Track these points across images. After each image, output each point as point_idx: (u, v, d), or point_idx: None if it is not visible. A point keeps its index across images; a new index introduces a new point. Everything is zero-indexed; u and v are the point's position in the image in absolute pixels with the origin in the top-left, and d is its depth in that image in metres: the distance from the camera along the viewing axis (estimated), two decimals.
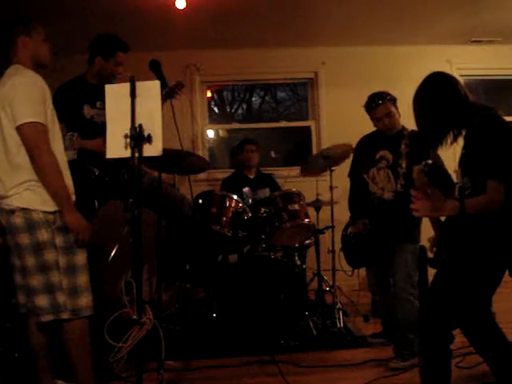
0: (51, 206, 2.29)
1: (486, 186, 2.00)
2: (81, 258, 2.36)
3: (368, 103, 3.25)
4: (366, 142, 3.43)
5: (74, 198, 2.40)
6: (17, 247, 2.33)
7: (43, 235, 2.28)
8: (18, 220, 2.28)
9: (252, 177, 4.55)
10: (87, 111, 3.03)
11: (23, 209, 2.27)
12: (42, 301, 2.31)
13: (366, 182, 3.30)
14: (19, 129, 2.23)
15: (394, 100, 3.22)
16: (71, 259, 2.33)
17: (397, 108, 3.22)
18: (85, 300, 2.35)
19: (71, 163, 2.51)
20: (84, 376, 2.39)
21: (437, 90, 2.16)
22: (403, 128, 3.23)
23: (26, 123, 2.22)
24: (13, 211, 2.28)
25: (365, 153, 3.35)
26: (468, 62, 5.46)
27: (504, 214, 2.02)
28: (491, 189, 1.99)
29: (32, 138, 2.23)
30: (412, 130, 3.16)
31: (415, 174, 1.99)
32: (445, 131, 2.15)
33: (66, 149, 2.50)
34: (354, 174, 3.46)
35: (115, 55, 3.11)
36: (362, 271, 3.63)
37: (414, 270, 3.13)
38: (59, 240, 2.30)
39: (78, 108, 3.01)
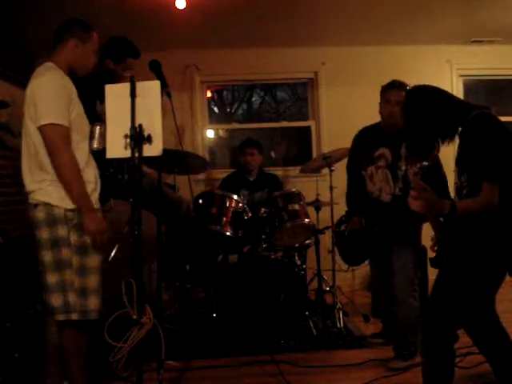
0: (71, 204, 2.30)
1: (481, 187, 2.00)
2: (93, 259, 2.36)
3: (387, 84, 3.16)
4: (365, 135, 3.34)
5: (97, 194, 2.42)
6: (38, 242, 2.34)
7: (61, 231, 2.29)
8: (40, 214, 2.30)
9: (252, 179, 4.52)
10: (98, 107, 3.03)
11: (46, 203, 2.29)
12: (57, 299, 2.31)
13: (363, 178, 3.23)
14: (40, 129, 2.26)
15: None
16: (83, 260, 2.32)
17: None
18: (93, 302, 2.34)
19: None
20: (74, 375, 2.39)
21: (416, 107, 2.17)
22: None
23: (47, 124, 2.24)
24: (36, 205, 2.31)
25: (363, 148, 3.27)
26: (468, 62, 5.47)
27: (504, 213, 2.02)
28: (485, 191, 1.99)
29: (52, 139, 2.25)
30: None
31: (411, 176, 2.00)
32: (434, 140, 2.16)
33: (92, 138, 2.48)
34: (352, 168, 3.39)
35: (125, 61, 3.10)
36: (362, 271, 3.63)
37: (415, 271, 3.10)
38: (74, 238, 2.30)
39: (92, 103, 3.01)
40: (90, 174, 2.39)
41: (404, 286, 3.06)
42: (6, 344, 2.87)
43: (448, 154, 2.50)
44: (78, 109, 2.37)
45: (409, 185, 2.98)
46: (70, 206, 2.29)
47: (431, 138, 2.16)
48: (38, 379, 2.54)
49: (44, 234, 2.30)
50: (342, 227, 3.41)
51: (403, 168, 3.07)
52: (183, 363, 3.21)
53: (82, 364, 2.40)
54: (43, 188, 2.30)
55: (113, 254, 3.97)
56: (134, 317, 2.19)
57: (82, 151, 2.36)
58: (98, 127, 2.50)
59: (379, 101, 3.21)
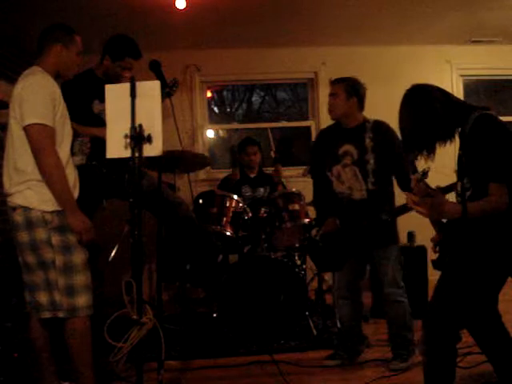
0: (50, 206, 2.32)
1: (489, 189, 1.99)
2: (78, 257, 2.38)
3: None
4: (325, 135, 3.24)
5: (77, 192, 2.43)
6: (19, 244, 2.38)
7: (40, 234, 2.32)
8: (18, 217, 2.33)
9: (253, 176, 4.56)
10: (97, 106, 3.03)
11: (23, 207, 2.31)
12: (43, 297, 2.36)
13: (329, 180, 3.11)
14: (26, 129, 2.28)
15: (353, 88, 3.07)
16: (68, 259, 2.35)
17: (353, 98, 3.05)
18: (82, 300, 2.37)
19: (79, 166, 2.53)
20: (84, 375, 2.40)
21: (416, 105, 2.17)
22: (365, 120, 3.08)
23: (32, 124, 2.26)
24: (14, 208, 2.34)
25: (325, 148, 3.15)
26: (468, 62, 5.46)
27: (507, 215, 2.02)
28: (494, 192, 1.99)
29: (37, 139, 2.27)
30: (375, 121, 3.07)
31: (413, 184, 1.98)
32: (433, 140, 2.16)
33: (75, 154, 2.52)
34: (316, 171, 3.25)
35: (123, 60, 3.09)
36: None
37: (399, 270, 3.08)
38: (55, 239, 2.33)
39: (88, 102, 3.01)
40: (70, 176, 2.40)
41: (392, 289, 3.05)
42: (6, 344, 2.87)
43: (449, 154, 2.49)
44: (62, 110, 2.40)
45: (382, 178, 2.99)
46: (48, 208, 2.32)
47: (430, 138, 2.16)
48: (38, 379, 2.54)
49: (24, 236, 2.33)
50: (313, 232, 3.27)
51: (372, 161, 2.98)
52: (183, 363, 3.21)
53: (89, 364, 2.42)
54: (21, 191, 2.32)
55: (113, 254, 3.98)
56: (134, 317, 2.19)
57: (62, 153, 2.37)
58: (78, 143, 2.54)
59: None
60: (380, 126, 3.07)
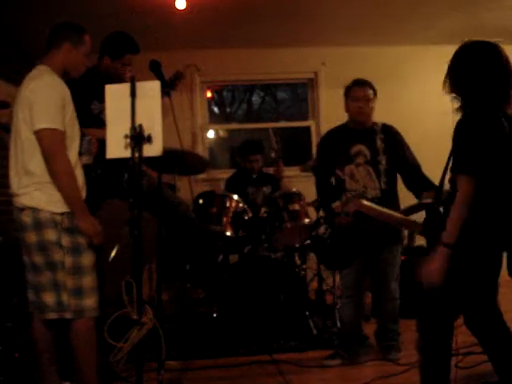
0: (59, 207, 2.32)
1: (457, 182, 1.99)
2: (87, 259, 2.38)
3: (352, 82, 3.22)
4: (335, 136, 3.28)
5: (84, 193, 2.43)
6: (25, 245, 2.37)
7: (49, 235, 2.31)
8: (26, 218, 2.32)
9: (255, 176, 4.56)
10: (96, 107, 3.02)
11: (32, 208, 2.31)
12: (49, 298, 2.35)
13: (340, 178, 3.14)
14: (37, 133, 2.27)
15: (375, 93, 3.19)
16: (77, 260, 2.35)
17: (375, 100, 3.19)
18: (89, 301, 2.37)
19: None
20: (87, 375, 2.41)
21: (473, 55, 2.23)
22: (374, 123, 3.19)
23: (43, 129, 2.25)
24: (22, 209, 2.33)
25: (336, 148, 3.19)
26: None
27: (485, 209, 2.02)
28: (461, 185, 1.97)
29: (48, 143, 2.27)
30: (383, 124, 3.17)
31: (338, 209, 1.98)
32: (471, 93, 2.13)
33: (82, 153, 2.51)
34: (324, 169, 3.26)
35: (123, 57, 3.08)
36: None
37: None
38: (65, 241, 2.32)
39: (87, 104, 3.00)
40: (78, 178, 2.40)
41: (396, 284, 3.18)
42: (6, 344, 2.88)
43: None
44: (71, 112, 2.39)
45: (393, 178, 3.11)
46: (57, 209, 2.31)
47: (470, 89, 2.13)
48: (39, 379, 2.54)
49: (32, 237, 2.32)
50: (322, 229, 3.31)
51: (384, 162, 3.09)
52: (183, 363, 3.21)
53: (94, 365, 2.42)
54: (29, 193, 2.31)
55: (113, 254, 3.98)
56: (134, 317, 2.19)
57: (71, 155, 2.37)
58: (86, 142, 2.53)
59: (345, 100, 3.22)
60: (389, 129, 3.19)
